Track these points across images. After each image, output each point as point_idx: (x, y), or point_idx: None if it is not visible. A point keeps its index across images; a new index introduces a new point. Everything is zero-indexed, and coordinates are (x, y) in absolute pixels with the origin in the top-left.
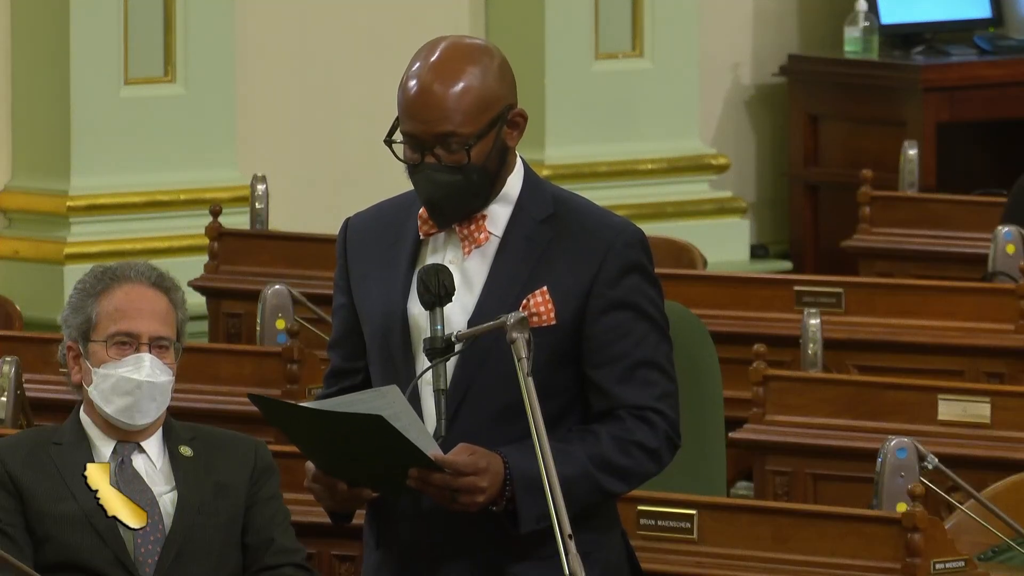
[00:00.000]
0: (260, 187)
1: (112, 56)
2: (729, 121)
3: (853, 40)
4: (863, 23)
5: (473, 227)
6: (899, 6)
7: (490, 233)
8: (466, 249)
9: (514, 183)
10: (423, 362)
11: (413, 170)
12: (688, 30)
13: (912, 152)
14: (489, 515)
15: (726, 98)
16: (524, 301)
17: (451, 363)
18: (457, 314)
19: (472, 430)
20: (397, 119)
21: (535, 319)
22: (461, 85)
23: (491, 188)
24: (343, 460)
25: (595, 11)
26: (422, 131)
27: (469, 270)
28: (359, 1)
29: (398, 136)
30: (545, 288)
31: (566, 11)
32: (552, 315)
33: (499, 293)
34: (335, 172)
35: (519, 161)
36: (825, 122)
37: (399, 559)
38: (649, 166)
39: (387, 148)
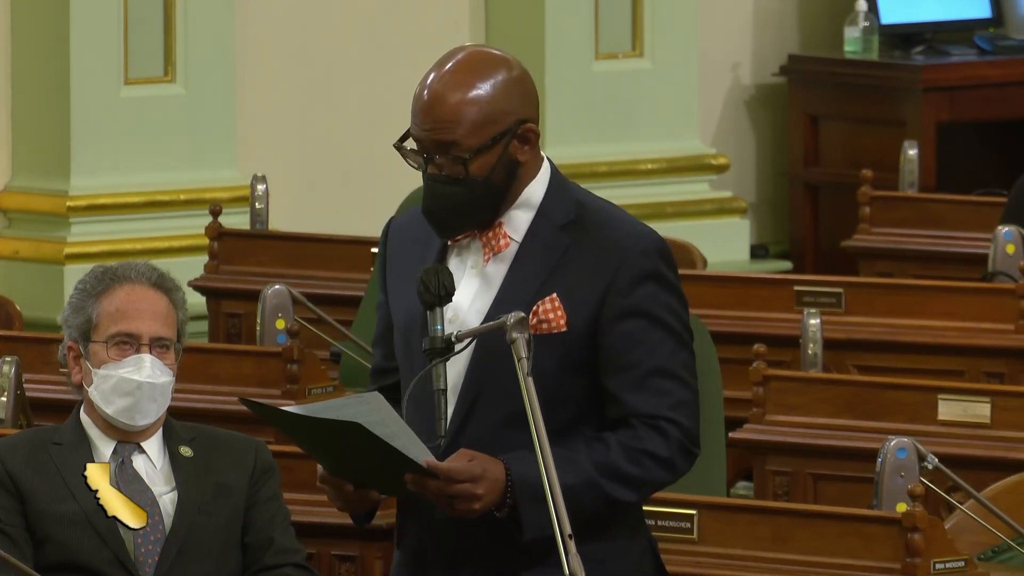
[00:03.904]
0: (260, 187)
1: (112, 56)
2: (729, 121)
3: (853, 40)
4: (863, 23)
5: (491, 233)
6: (899, 6)
7: (511, 239)
8: (486, 255)
9: (537, 189)
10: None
11: (422, 177)
12: (688, 30)
13: (912, 152)
14: (499, 521)
15: (726, 98)
16: (534, 308)
17: (462, 367)
18: (472, 319)
19: (483, 434)
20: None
21: (544, 326)
22: (467, 97)
23: (499, 202)
24: (346, 462)
25: (595, 11)
26: (425, 137)
27: (488, 275)
28: (359, 1)
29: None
30: (555, 295)
31: (566, 11)
32: (562, 322)
33: (513, 298)
34: (335, 172)
35: (545, 165)
36: (825, 122)
37: (416, 560)
38: (649, 166)
39: (391, 150)
